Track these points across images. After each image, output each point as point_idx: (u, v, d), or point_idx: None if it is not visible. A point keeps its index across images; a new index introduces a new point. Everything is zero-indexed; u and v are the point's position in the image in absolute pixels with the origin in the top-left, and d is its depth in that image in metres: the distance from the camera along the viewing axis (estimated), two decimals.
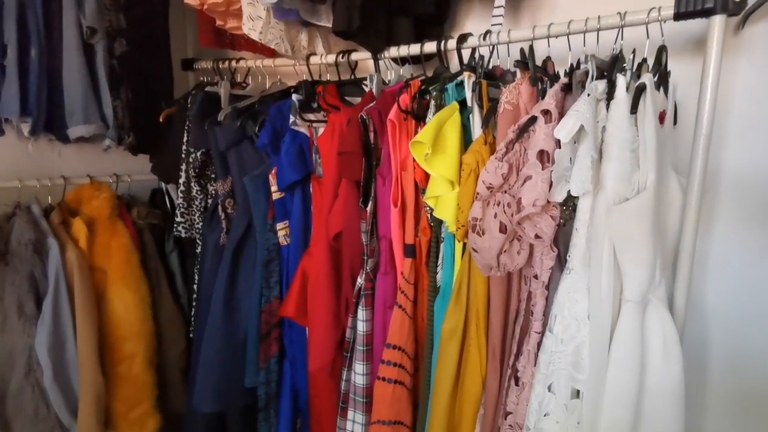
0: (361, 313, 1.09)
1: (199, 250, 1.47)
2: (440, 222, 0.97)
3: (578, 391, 0.80)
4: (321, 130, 1.13)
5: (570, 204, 0.79)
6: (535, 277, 0.82)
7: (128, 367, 1.43)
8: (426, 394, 1.03)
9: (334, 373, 1.23)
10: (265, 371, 1.34)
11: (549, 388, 0.81)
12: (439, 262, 1.00)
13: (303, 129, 1.13)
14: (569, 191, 0.73)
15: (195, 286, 1.51)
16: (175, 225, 1.40)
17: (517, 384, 0.87)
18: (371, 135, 0.97)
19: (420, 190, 0.97)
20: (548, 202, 0.73)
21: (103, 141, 1.31)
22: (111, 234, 1.35)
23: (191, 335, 1.56)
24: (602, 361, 0.76)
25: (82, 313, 1.26)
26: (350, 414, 1.14)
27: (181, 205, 1.37)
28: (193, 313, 1.54)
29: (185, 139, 1.33)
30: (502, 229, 0.75)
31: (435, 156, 0.83)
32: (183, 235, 1.41)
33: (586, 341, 0.78)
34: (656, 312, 0.78)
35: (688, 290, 0.87)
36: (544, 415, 0.82)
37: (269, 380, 1.35)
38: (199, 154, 1.32)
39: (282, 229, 1.27)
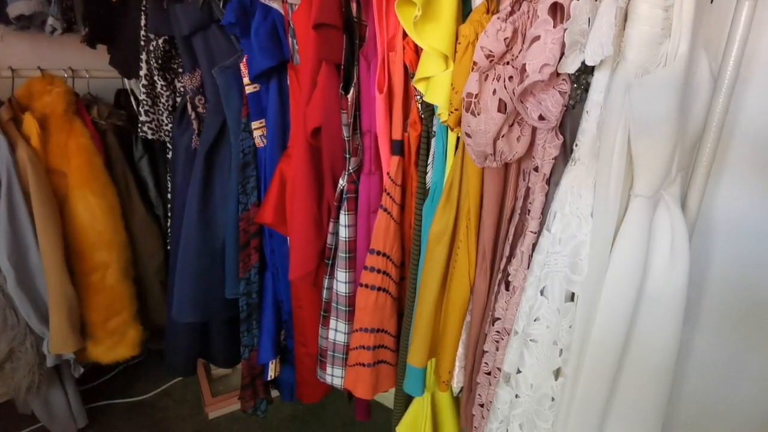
0: (344, 218, 1.01)
1: (170, 155, 1.35)
2: (432, 113, 0.85)
3: (573, 294, 0.74)
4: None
5: (582, 82, 0.67)
6: (536, 169, 0.73)
7: (101, 276, 1.37)
8: (411, 302, 0.98)
9: (317, 283, 1.17)
10: (245, 282, 1.28)
11: (542, 292, 0.75)
12: (430, 160, 0.90)
13: (276, 5, 0.97)
14: (583, 62, 0.61)
15: (169, 195, 1.41)
16: (140, 125, 1.27)
17: (507, 289, 0.81)
18: (353, 6, 0.83)
19: (410, 75, 0.84)
20: (558, 74, 0.62)
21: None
22: (68, 133, 1.23)
23: (169, 247, 1.49)
24: (603, 260, 0.69)
25: (42, 216, 1.16)
26: (332, 323, 1.10)
27: (144, 102, 1.24)
28: (169, 224, 1.46)
29: (143, 23, 1.16)
30: (501, 108, 0.64)
31: (426, 23, 0.69)
32: (149, 136, 1.28)
33: (586, 241, 0.71)
34: (667, 211, 0.70)
35: (703, 191, 0.79)
36: (534, 320, 0.76)
37: (250, 291, 1.30)
38: (160, 41, 1.16)
39: (258, 129, 1.14)
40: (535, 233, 0.75)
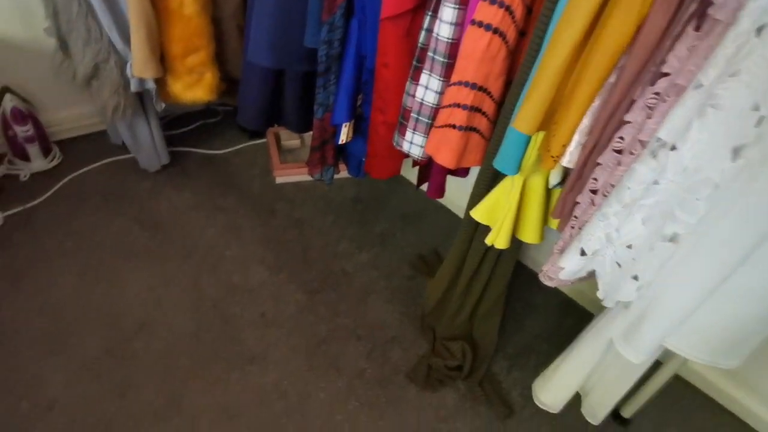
0: None
1: None
2: None
3: None
4: None
5: None
6: None
7: (180, 4, 1.25)
8: (532, 56, 0.75)
9: (411, 32, 0.96)
10: (328, 27, 1.09)
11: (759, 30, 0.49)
12: None
13: None
14: None
15: None
16: None
17: (698, 28, 0.55)
18: None
19: None
20: None
21: None
22: None
23: None
24: None
25: None
26: (424, 78, 0.91)
27: None
28: None
29: None
30: None
31: None
32: None
33: None
34: None
35: None
36: (731, 75, 0.52)
37: (332, 39, 1.11)
38: None
39: None
40: None
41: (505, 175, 0.88)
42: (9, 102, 1.48)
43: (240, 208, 1.59)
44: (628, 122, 0.64)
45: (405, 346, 1.25)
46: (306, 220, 1.59)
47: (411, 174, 1.81)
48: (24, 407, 1.01)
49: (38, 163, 1.60)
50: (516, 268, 1.15)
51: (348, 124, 1.21)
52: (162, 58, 1.33)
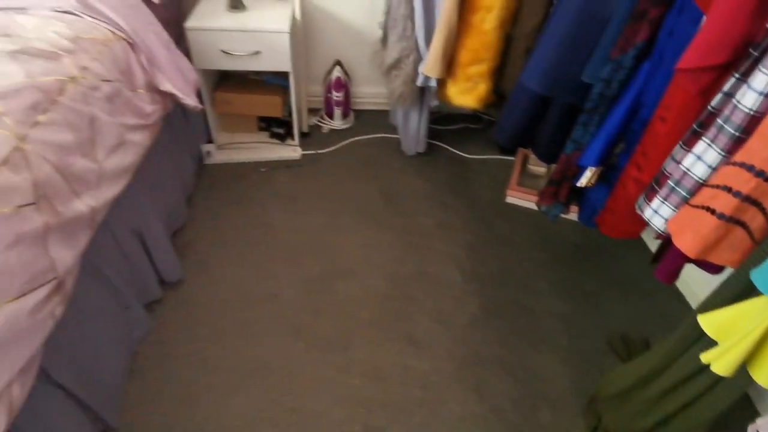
0: None
1: None
2: None
3: None
4: None
5: None
6: None
7: (481, 19, 1.38)
8: None
9: (709, 90, 0.83)
10: (613, 65, 1.04)
11: None
12: None
13: None
14: None
15: None
16: None
17: None
18: None
19: None
20: None
21: None
22: None
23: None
24: None
25: None
26: (700, 146, 0.78)
27: None
28: None
29: None
30: None
31: None
32: None
33: None
34: None
35: None
36: None
37: (612, 79, 1.06)
38: None
39: None
40: None
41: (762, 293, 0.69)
42: (336, 72, 1.93)
43: (463, 210, 1.69)
44: None
45: (558, 415, 1.14)
46: (517, 246, 1.58)
47: (652, 242, 1.56)
48: (260, 292, 1.37)
49: (337, 122, 2.04)
50: (741, 398, 0.89)
51: (594, 168, 1.13)
52: (449, 63, 1.50)
